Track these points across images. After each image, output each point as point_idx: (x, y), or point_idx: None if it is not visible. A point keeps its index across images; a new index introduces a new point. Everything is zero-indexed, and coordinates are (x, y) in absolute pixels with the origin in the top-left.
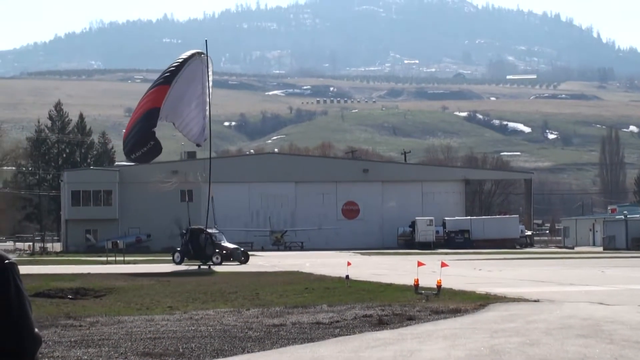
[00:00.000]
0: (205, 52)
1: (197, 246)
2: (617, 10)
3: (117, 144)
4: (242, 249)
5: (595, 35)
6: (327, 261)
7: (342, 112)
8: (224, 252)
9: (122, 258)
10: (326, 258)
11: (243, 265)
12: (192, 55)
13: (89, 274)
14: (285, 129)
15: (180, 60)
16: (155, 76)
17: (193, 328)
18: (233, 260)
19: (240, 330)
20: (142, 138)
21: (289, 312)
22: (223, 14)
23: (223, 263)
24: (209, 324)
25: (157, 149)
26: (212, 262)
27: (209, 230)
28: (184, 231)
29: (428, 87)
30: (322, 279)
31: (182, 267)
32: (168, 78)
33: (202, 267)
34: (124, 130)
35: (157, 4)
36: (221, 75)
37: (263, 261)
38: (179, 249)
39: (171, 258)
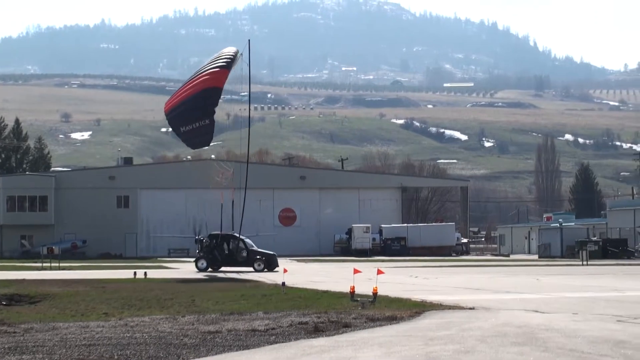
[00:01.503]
0: (242, 52)
1: (228, 252)
2: (554, 19)
3: (53, 149)
4: (275, 255)
5: (532, 43)
6: None
7: (279, 118)
8: (263, 258)
9: (57, 264)
10: None
11: (180, 272)
12: (237, 52)
13: (23, 280)
14: (223, 135)
15: (232, 53)
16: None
17: (128, 335)
18: (271, 267)
19: (175, 337)
20: (198, 113)
21: (225, 319)
22: (161, 19)
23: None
24: (144, 331)
25: (211, 128)
26: (254, 269)
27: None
28: (201, 237)
29: (366, 94)
30: (258, 285)
31: (202, 275)
32: (229, 64)
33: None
34: (168, 103)
35: (94, 9)
36: (158, 81)
37: None
38: (201, 254)
39: (194, 264)
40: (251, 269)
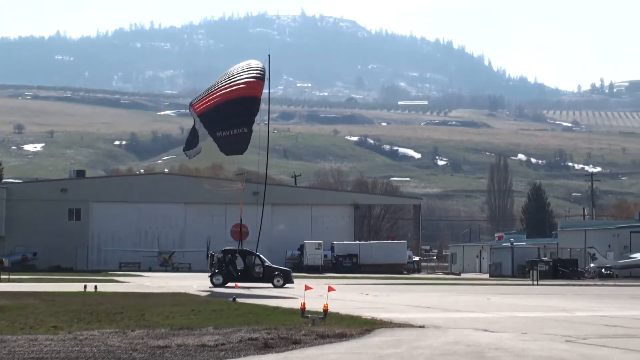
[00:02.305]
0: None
1: (244, 268)
2: (509, 39)
3: (5, 160)
4: (290, 271)
5: (486, 63)
6: None
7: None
8: (282, 273)
9: (7, 276)
10: None
11: (131, 286)
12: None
13: None
14: (176, 149)
15: (262, 66)
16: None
17: (77, 349)
18: (285, 282)
19: (124, 351)
20: (237, 120)
21: (175, 334)
22: (116, 32)
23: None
24: (93, 345)
25: (248, 137)
26: (273, 284)
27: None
28: (213, 252)
29: (320, 110)
30: (209, 301)
31: (218, 290)
32: (263, 76)
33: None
34: (199, 105)
35: (49, 20)
36: (112, 94)
37: (150, 282)
38: (216, 270)
39: (209, 279)
40: (269, 285)
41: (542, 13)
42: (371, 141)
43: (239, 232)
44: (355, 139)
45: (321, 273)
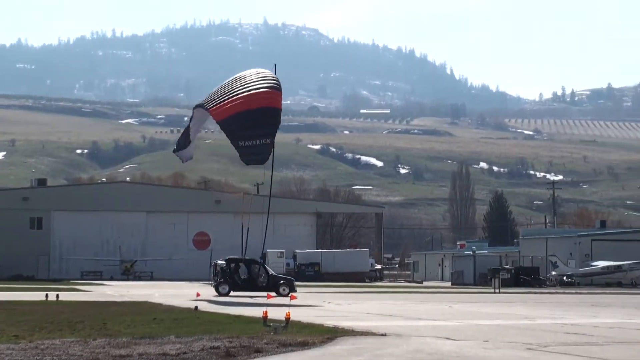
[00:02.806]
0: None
1: (249, 277)
2: (470, 48)
3: None
4: (294, 280)
5: (448, 72)
6: (177, 292)
7: (195, 142)
8: (286, 282)
9: None
10: (176, 289)
11: (92, 295)
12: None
13: None
14: (138, 158)
15: (275, 76)
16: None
17: (38, 358)
18: (291, 291)
19: None
20: (260, 131)
21: (137, 343)
22: (78, 40)
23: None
24: (54, 354)
25: (270, 148)
26: (279, 293)
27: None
28: (216, 262)
29: (282, 119)
30: (171, 309)
31: (223, 299)
32: (279, 86)
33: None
34: (216, 108)
35: (11, 28)
36: (74, 102)
37: (112, 291)
38: (221, 279)
39: (214, 289)
40: (272, 293)
41: (504, 22)
42: (333, 149)
43: (201, 241)
44: (317, 147)
45: None
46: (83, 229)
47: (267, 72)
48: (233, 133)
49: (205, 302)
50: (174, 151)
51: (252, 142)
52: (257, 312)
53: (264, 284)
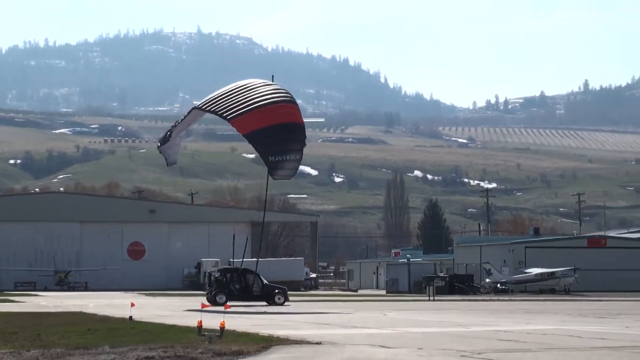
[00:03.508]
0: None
1: (244, 287)
2: (404, 57)
3: None
4: (286, 289)
5: (382, 80)
6: (112, 302)
7: (130, 151)
8: (282, 291)
9: None
10: (110, 299)
11: (26, 305)
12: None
13: None
14: (72, 167)
15: (288, 91)
16: None
17: None
18: (285, 300)
19: None
20: (289, 147)
21: (71, 354)
22: (10, 50)
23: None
24: None
25: (299, 164)
26: (275, 302)
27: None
28: (211, 272)
29: (217, 128)
30: (105, 319)
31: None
32: (293, 99)
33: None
34: (241, 120)
35: None
36: (7, 112)
37: (46, 301)
38: (217, 289)
39: (209, 298)
40: (263, 302)
41: (437, 30)
42: None
43: (136, 251)
44: (252, 156)
45: None
46: (16, 240)
47: (279, 85)
48: (263, 147)
49: (136, 313)
50: (158, 147)
51: (282, 157)
52: (192, 321)
53: (259, 294)
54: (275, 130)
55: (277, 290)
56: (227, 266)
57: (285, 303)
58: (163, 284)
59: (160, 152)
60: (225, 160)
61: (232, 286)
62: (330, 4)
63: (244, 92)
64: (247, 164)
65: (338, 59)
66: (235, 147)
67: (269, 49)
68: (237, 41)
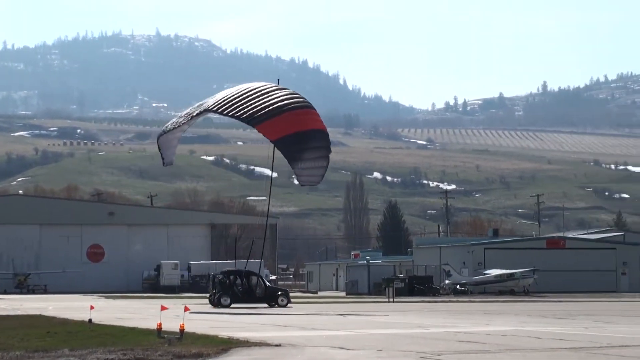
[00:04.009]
0: None
1: (247, 289)
2: (363, 58)
3: None
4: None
5: (341, 82)
6: (71, 304)
7: (89, 154)
8: (285, 293)
9: None
10: (70, 301)
11: None
12: None
13: None
14: (31, 170)
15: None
16: None
17: None
18: (288, 302)
19: None
20: (317, 154)
21: (30, 357)
22: None
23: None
24: None
25: (325, 171)
26: (277, 304)
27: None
28: (219, 274)
29: None
30: (64, 322)
31: (226, 310)
32: (310, 104)
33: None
34: (267, 125)
35: None
36: None
37: (5, 304)
38: (220, 291)
39: (213, 300)
40: (264, 304)
41: (396, 32)
42: (227, 161)
43: (95, 254)
44: (211, 158)
45: (178, 293)
46: None
47: (288, 89)
48: (292, 155)
49: (96, 315)
50: (159, 138)
51: (310, 164)
52: (151, 324)
53: (262, 295)
54: (302, 137)
55: (280, 292)
56: (230, 269)
57: (289, 305)
58: (123, 287)
59: (158, 149)
60: (184, 162)
61: (235, 288)
62: (289, 7)
63: (261, 95)
64: (206, 166)
65: (297, 61)
66: (194, 149)
67: (228, 51)
68: (196, 43)
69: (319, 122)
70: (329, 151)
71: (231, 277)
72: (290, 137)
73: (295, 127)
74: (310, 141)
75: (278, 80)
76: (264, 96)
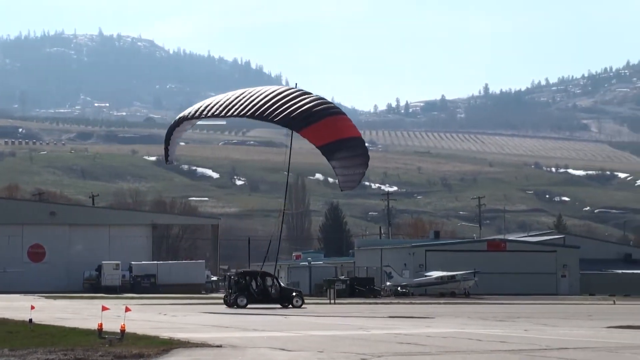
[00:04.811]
0: None
1: (262, 289)
2: (305, 59)
3: None
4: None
5: (284, 83)
6: (11, 304)
7: (30, 153)
8: (299, 294)
9: None
10: (10, 301)
11: None
12: None
13: None
14: None
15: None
16: None
17: None
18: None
19: None
20: (358, 161)
21: None
22: None
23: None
24: None
25: (362, 178)
26: (292, 304)
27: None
28: (233, 275)
29: (118, 130)
30: (4, 322)
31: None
32: (341, 110)
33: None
34: (310, 131)
35: None
36: None
37: None
38: (236, 292)
39: (229, 300)
40: (277, 305)
41: (338, 34)
42: None
43: (36, 254)
44: (153, 159)
45: (119, 293)
46: None
47: (312, 93)
48: (336, 161)
49: (36, 315)
50: (172, 127)
51: (351, 171)
52: (92, 324)
53: (277, 296)
54: (343, 144)
55: (294, 293)
56: (246, 269)
57: (303, 306)
58: (63, 287)
59: (166, 141)
60: (126, 162)
61: (251, 289)
62: (232, 8)
63: (293, 100)
64: (148, 166)
65: (240, 62)
66: (136, 149)
67: (171, 52)
68: (139, 43)
69: (354, 128)
70: (368, 158)
71: (247, 278)
72: (335, 144)
73: (338, 134)
74: (351, 149)
75: (296, 84)
76: (295, 101)
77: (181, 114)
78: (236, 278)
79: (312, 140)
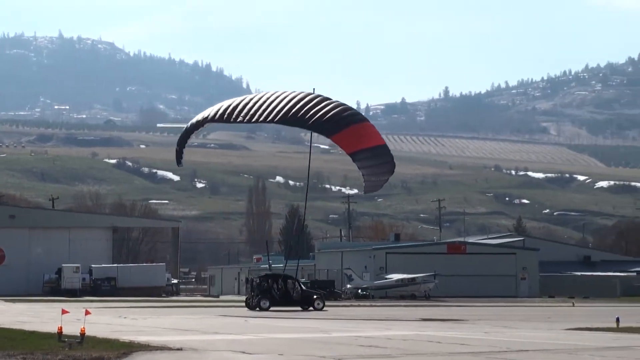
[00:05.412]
0: None
1: (284, 292)
2: (266, 62)
3: None
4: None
5: (244, 85)
6: None
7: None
8: (320, 297)
9: None
10: None
11: None
12: None
13: None
14: None
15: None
16: None
17: None
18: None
19: None
20: (384, 169)
21: None
22: None
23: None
24: None
25: (384, 184)
26: (314, 307)
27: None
28: (255, 278)
29: (78, 133)
30: None
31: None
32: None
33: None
34: (341, 137)
35: None
36: None
37: None
38: (259, 295)
39: (251, 303)
40: (297, 308)
41: (298, 37)
42: (130, 164)
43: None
44: (113, 161)
45: (79, 297)
46: None
47: (331, 98)
48: (365, 168)
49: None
50: (187, 130)
51: (377, 177)
52: (52, 327)
53: (298, 299)
54: (374, 151)
55: (315, 296)
56: (268, 272)
57: (324, 308)
58: (23, 290)
59: (181, 144)
60: (86, 165)
61: (273, 291)
62: (192, 11)
63: (319, 105)
64: (108, 169)
65: (200, 65)
66: (96, 152)
67: (131, 54)
68: (99, 46)
69: (379, 135)
70: (394, 165)
71: (269, 281)
72: (365, 152)
73: (367, 142)
74: (379, 157)
75: (314, 89)
76: (324, 105)
77: (201, 116)
78: (258, 281)
79: (343, 146)
